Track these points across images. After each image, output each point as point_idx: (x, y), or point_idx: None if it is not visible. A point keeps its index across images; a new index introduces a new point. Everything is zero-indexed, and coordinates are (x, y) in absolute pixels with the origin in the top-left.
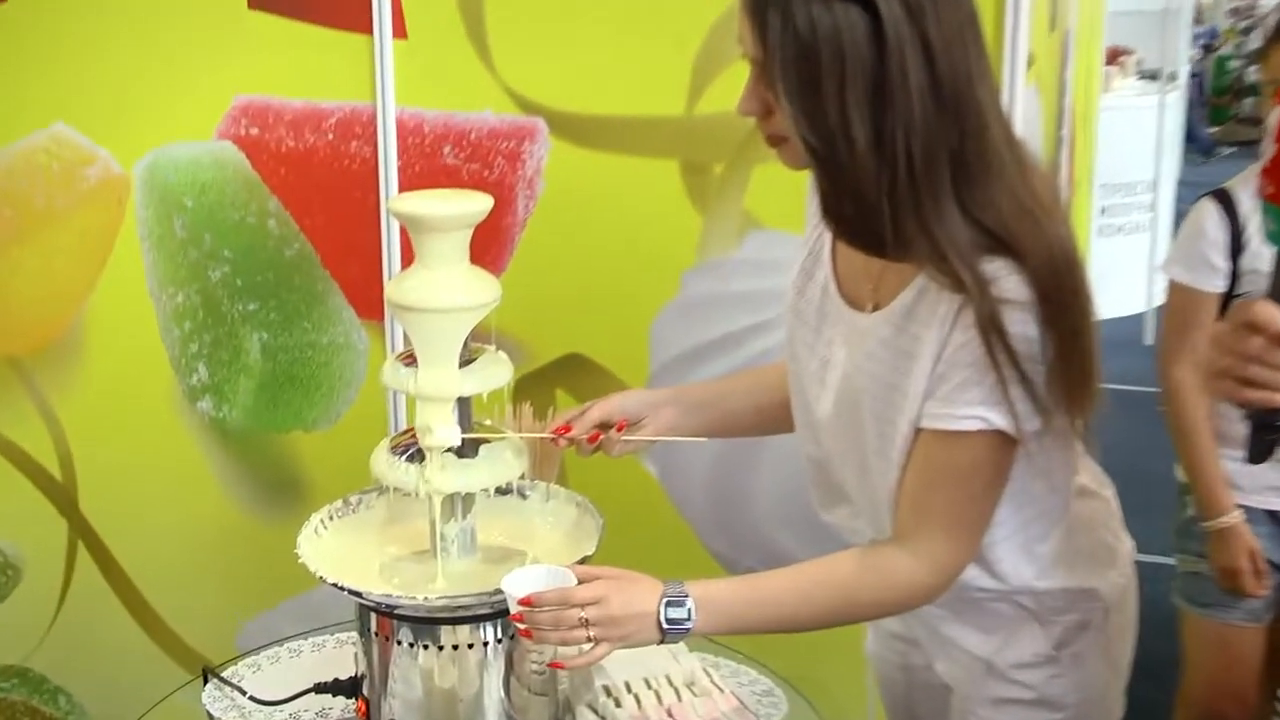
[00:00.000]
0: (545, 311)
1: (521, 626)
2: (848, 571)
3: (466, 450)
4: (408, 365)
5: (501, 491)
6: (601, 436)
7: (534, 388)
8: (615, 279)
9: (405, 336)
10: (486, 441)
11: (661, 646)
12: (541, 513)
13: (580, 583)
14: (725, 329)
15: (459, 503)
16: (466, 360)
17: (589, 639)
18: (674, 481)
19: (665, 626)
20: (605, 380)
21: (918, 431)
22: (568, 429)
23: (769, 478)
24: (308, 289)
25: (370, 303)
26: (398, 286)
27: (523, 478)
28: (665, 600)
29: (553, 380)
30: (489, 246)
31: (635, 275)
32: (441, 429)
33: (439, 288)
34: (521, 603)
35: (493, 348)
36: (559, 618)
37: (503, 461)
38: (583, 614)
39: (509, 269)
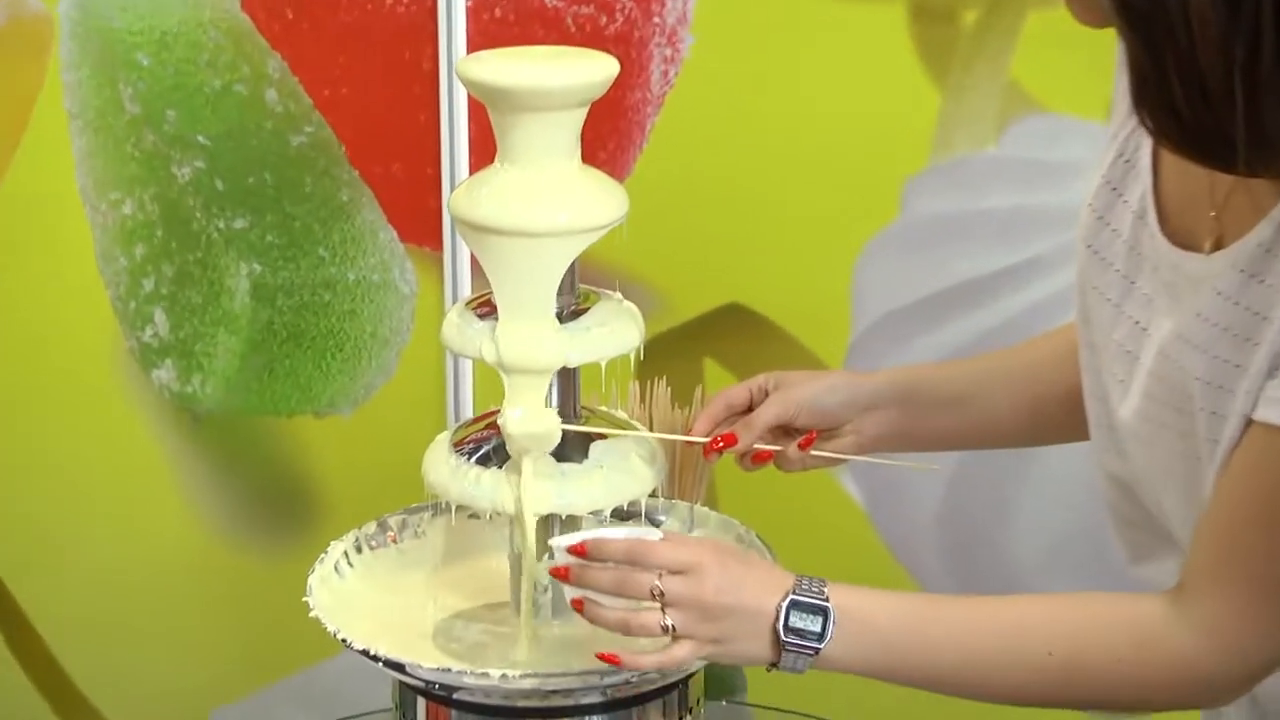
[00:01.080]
0: (692, 240)
1: (570, 593)
2: (1080, 620)
3: (570, 451)
4: (482, 317)
5: (622, 516)
6: (776, 454)
7: (672, 356)
8: (800, 191)
9: (475, 273)
10: (602, 438)
11: None
12: None
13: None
14: (971, 271)
15: (557, 531)
16: (573, 312)
17: (664, 629)
18: (887, 510)
19: (784, 639)
20: (780, 347)
21: (1247, 425)
22: (730, 440)
23: (1035, 508)
24: (325, 198)
25: (422, 221)
26: (468, 196)
27: (655, 495)
28: (791, 599)
29: (701, 344)
30: (607, 136)
31: (831, 185)
32: (533, 417)
33: (532, 199)
34: (572, 551)
35: (615, 295)
36: (623, 580)
37: (626, 470)
38: (658, 583)
39: (635, 173)
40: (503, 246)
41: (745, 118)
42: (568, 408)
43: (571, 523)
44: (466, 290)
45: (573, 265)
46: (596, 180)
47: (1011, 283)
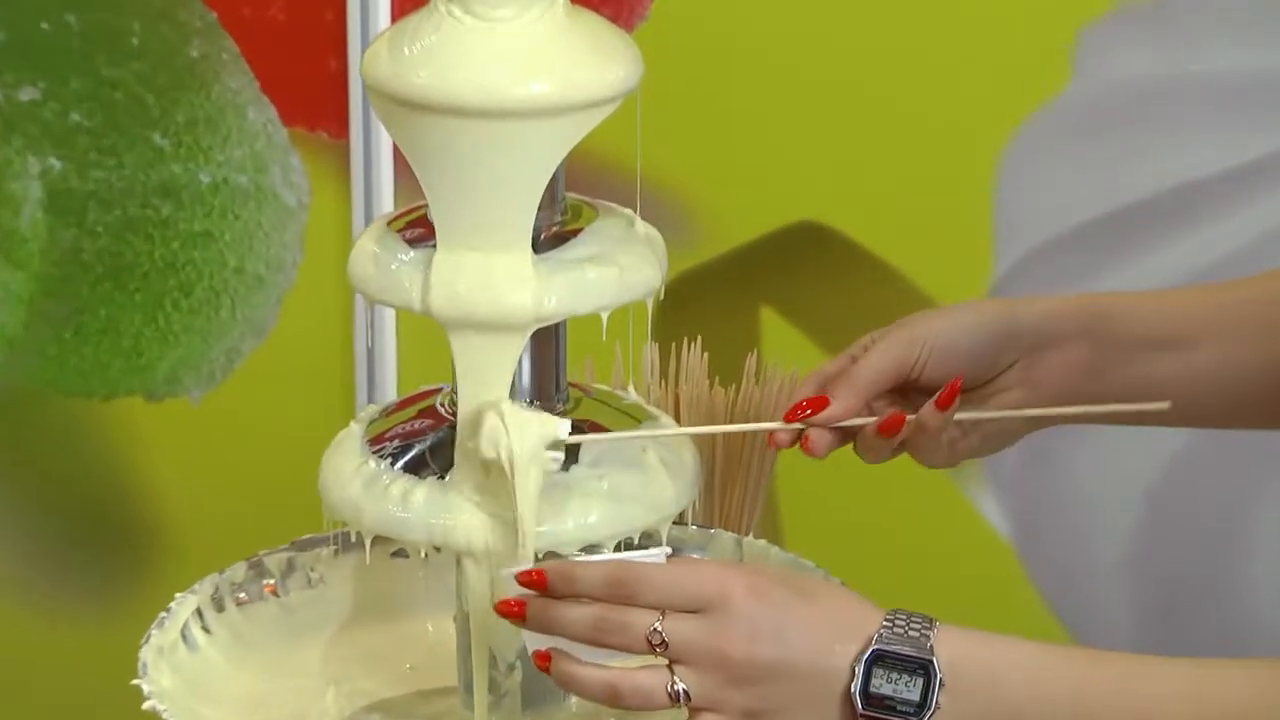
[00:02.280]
0: (740, 125)
1: (532, 642)
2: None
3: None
4: (413, 243)
5: (636, 547)
6: (907, 419)
7: (712, 304)
8: (909, 47)
9: (402, 174)
10: (603, 430)
11: None
12: None
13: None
14: (1177, 172)
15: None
16: (556, 236)
17: (673, 696)
18: (1049, 545)
19: (862, 710)
20: (882, 292)
21: None
22: (819, 403)
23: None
24: (164, 55)
25: (316, 93)
26: (391, 56)
27: (682, 520)
28: (875, 652)
29: (755, 286)
30: None
31: (960, 39)
32: (524, 423)
33: (494, 60)
34: (525, 579)
35: (623, 211)
36: (604, 620)
37: (639, 482)
38: (658, 626)
39: (651, 21)
40: (447, 134)
41: None
42: (547, 385)
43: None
44: (388, 203)
45: (559, 165)
46: (593, 32)
47: (1239, 191)
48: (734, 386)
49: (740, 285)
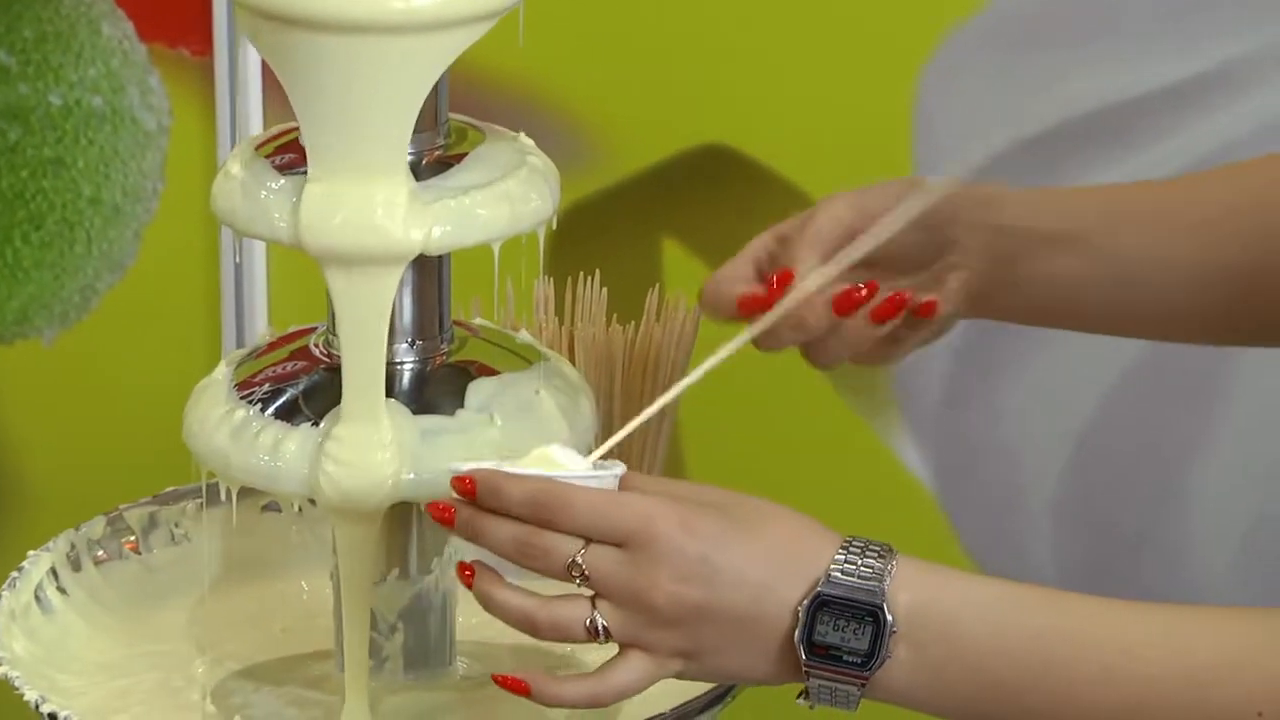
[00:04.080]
0: (639, 37)
1: (465, 553)
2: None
3: (437, 395)
4: (283, 169)
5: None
6: (897, 301)
7: (609, 234)
8: None
9: (271, 94)
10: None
11: None
12: None
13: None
14: (1116, 89)
15: (416, 530)
16: (438, 161)
17: (591, 630)
18: (970, 489)
19: (806, 660)
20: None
21: None
22: (785, 279)
23: (1214, 480)
24: None
25: (174, 5)
26: None
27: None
28: (819, 595)
29: (657, 215)
30: None
31: None
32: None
33: None
34: (456, 484)
35: (509, 134)
36: (526, 542)
37: (531, 425)
38: (580, 556)
39: None
40: (317, 51)
41: None
42: (430, 323)
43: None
44: (256, 125)
45: (439, 82)
46: None
47: (1182, 108)
48: (634, 324)
49: (640, 214)
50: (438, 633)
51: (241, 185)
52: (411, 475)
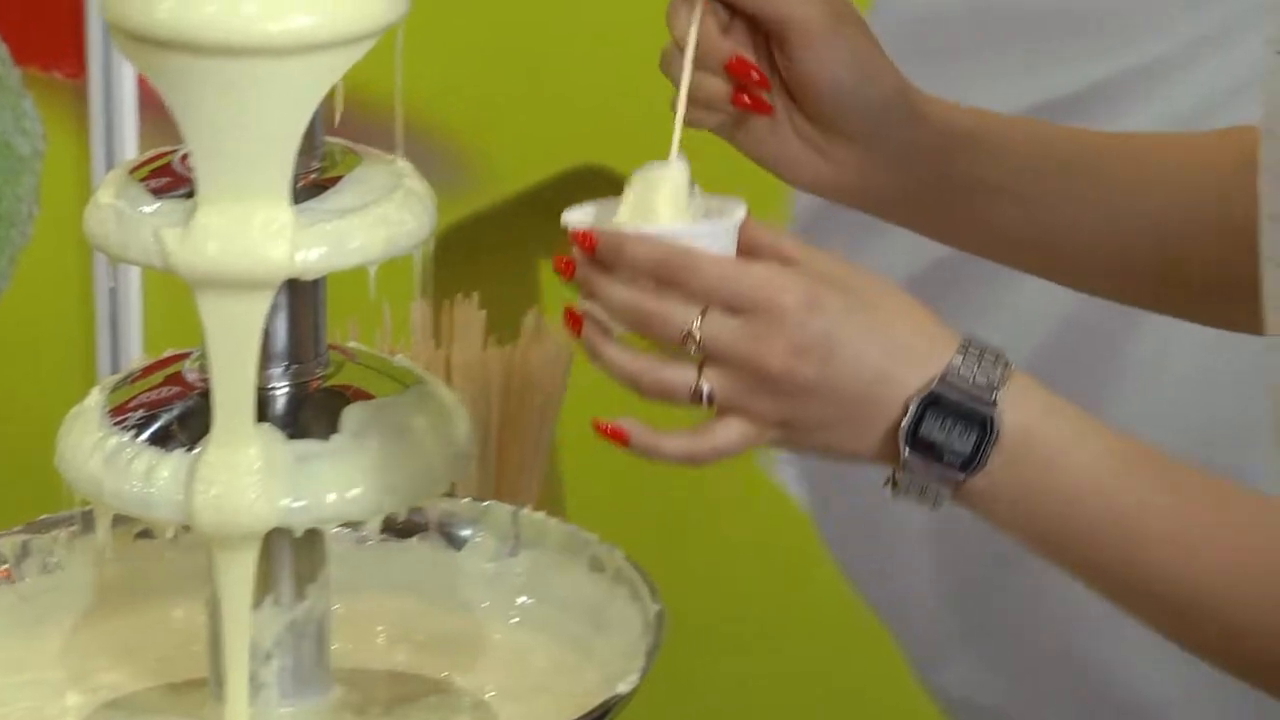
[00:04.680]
0: (518, 59)
1: (575, 314)
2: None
3: (309, 418)
4: (158, 193)
5: (400, 533)
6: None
7: (487, 256)
8: None
9: (147, 116)
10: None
11: None
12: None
13: (747, 252)
14: (993, 104)
15: (289, 559)
16: (314, 184)
17: (696, 396)
18: (846, 511)
19: (906, 454)
20: None
21: None
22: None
23: None
24: None
25: (50, 27)
26: None
27: (452, 493)
28: (933, 393)
29: (535, 235)
30: None
31: None
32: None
33: None
34: (576, 239)
35: (386, 156)
36: (642, 308)
37: (406, 449)
38: (697, 324)
39: None
40: (197, 73)
41: None
42: (306, 347)
43: (312, 549)
44: (131, 149)
45: (318, 107)
46: None
47: (1101, 105)
48: (511, 346)
49: (519, 236)
50: (314, 660)
51: (115, 210)
52: (285, 501)
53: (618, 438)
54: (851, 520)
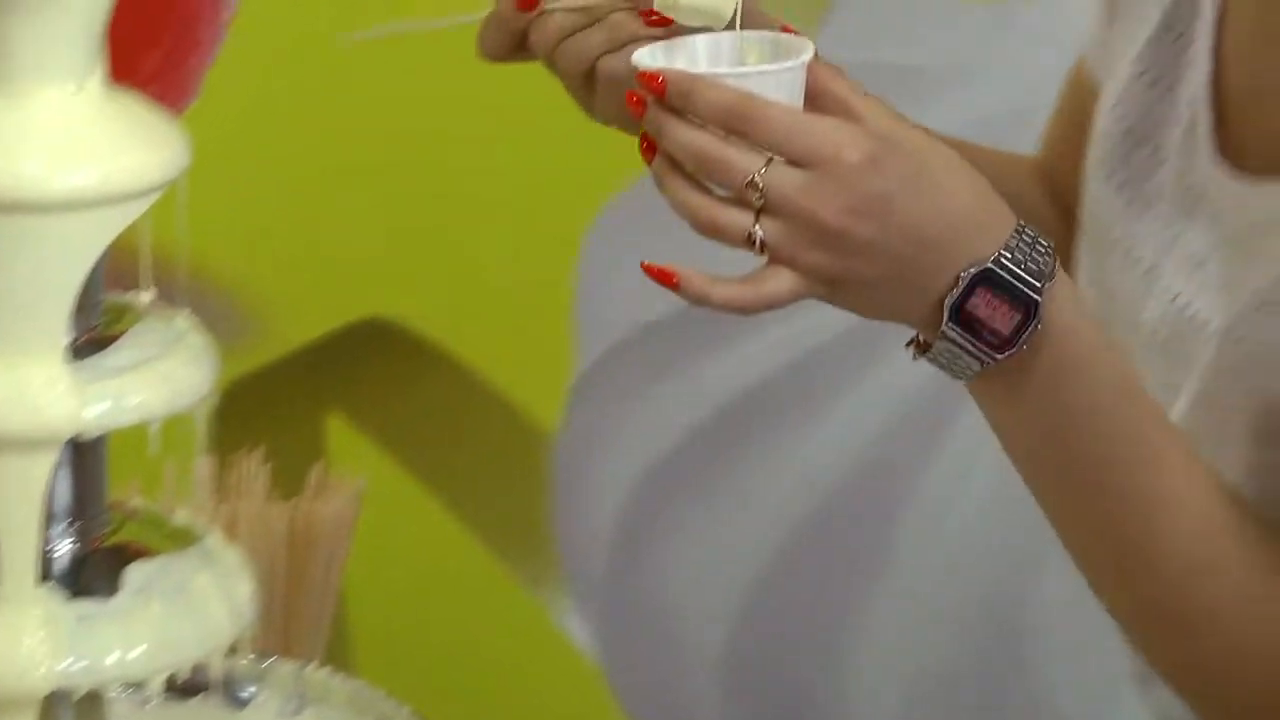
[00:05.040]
0: (300, 214)
1: (651, 142)
2: (1222, 523)
3: (90, 574)
4: None
5: (183, 692)
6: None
7: (272, 410)
8: (474, 131)
9: None
10: None
11: None
12: None
13: (815, 99)
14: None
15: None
16: (93, 341)
17: (750, 241)
18: (632, 659)
19: (947, 327)
20: (455, 392)
21: None
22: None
23: (874, 657)
24: None
25: None
26: None
27: (235, 650)
28: (985, 271)
29: (321, 389)
30: (152, 34)
31: (537, 118)
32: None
33: (19, 143)
34: (645, 80)
35: (173, 310)
36: (708, 154)
37: (190, 608)
38: (761, 173)
39: (206, 99)
40: None
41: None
42: (87, 506)
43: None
44: None
45: (98, 262)
46: (134, 113)
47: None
48: (296, 500)
49: (304, 389)
50: None
51: None
52: (66, 663)
53: (665, 279)
54: (643, 673)
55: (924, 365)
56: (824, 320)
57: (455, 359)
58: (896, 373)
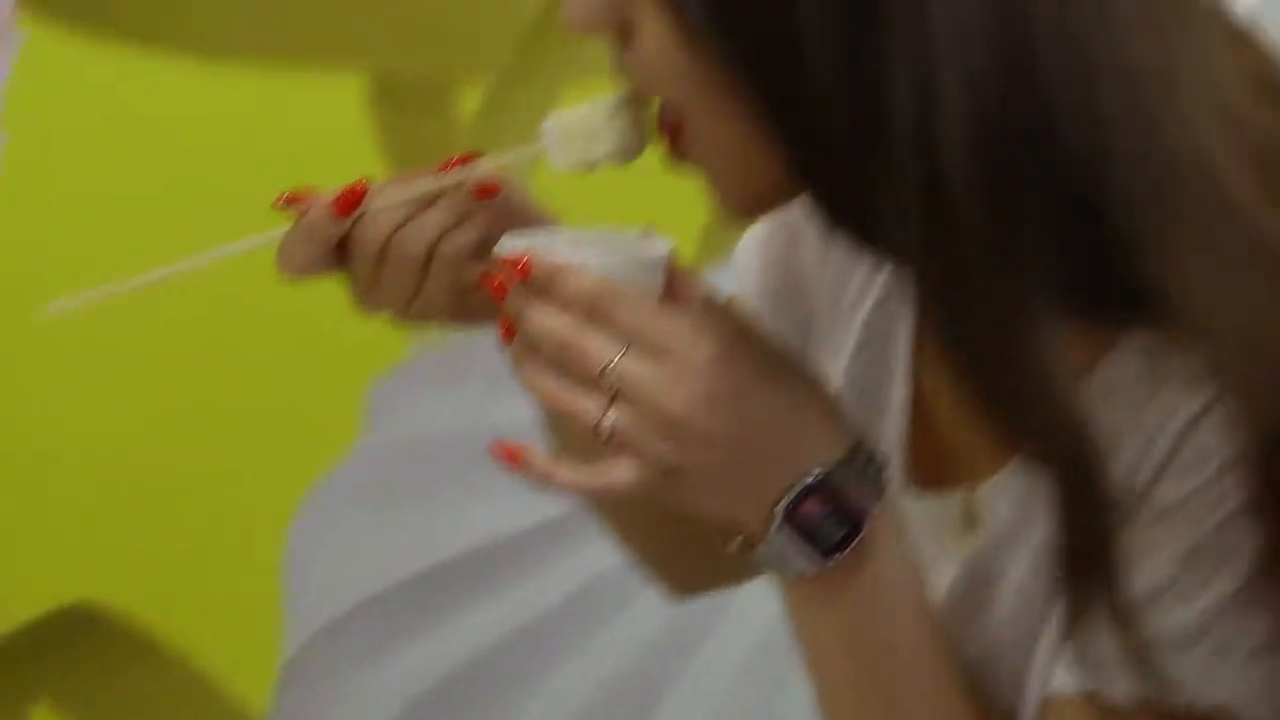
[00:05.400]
0: (4, 498)
1: (511, 326)
2: None
3: None
4: None
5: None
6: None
7: None
8: (174, 419)
9: None
10: None
11: None
12: None
13: (673, 295)
14: (496, 523)
15: None
16: None
17: (600, 426)
18: None
19: (777, 524)
20: (163, 676)
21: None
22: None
23: None
24: None
25: None
26: None
27: None
28: (820, 479)
29: (28, 677)
30: None
31: (250, 388)
32: None
33: None
34: (511, 264)
35: None
36: (568, 340)
37: None
38: (614, 360)
39: None
40: None
41: (67, 267)
42: None
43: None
44: None
45: None
46: None
47: (552, 545)
48: None
49: (7, 678)
50: None
51: None
52: None
53: (512, 459)
54: None
55: (636, 633)
56: (541, 590)
57: (163, 645)
58: (610, 643)
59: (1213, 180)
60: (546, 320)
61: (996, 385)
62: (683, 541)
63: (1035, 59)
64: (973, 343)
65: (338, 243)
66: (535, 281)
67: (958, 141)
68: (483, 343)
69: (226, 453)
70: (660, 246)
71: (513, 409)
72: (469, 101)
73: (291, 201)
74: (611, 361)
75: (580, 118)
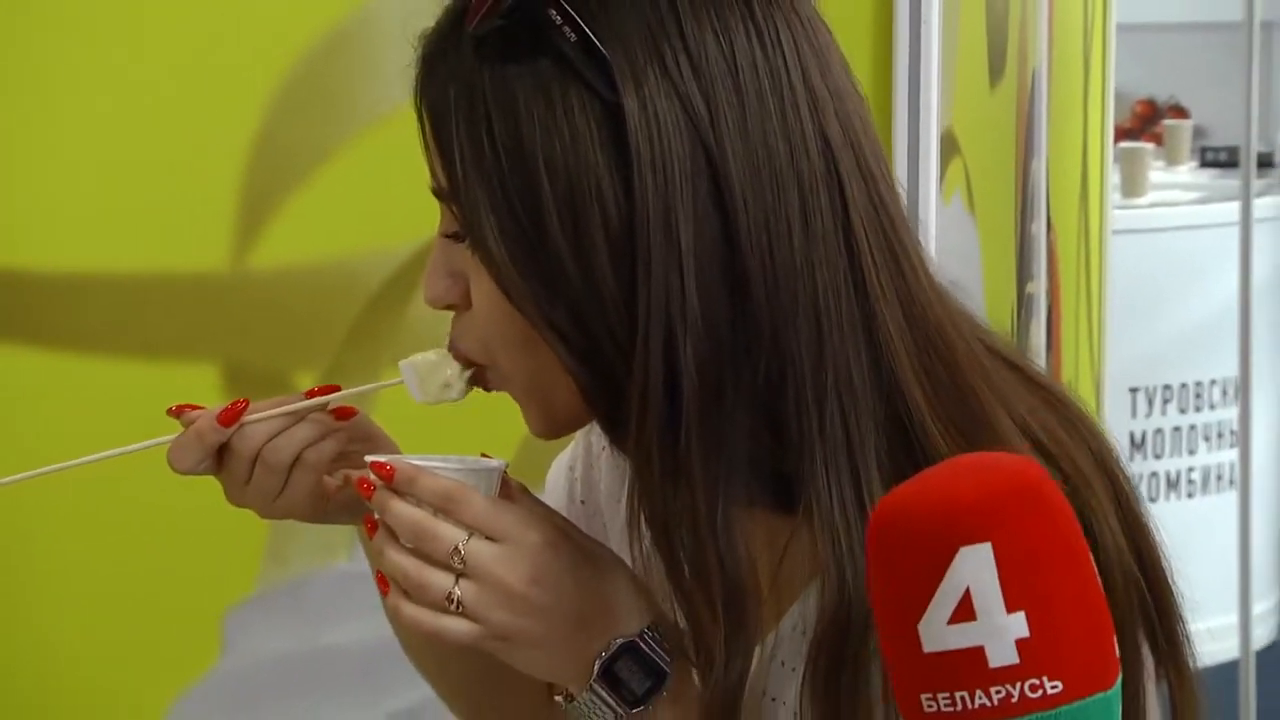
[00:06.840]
0: None
1: (373, 521)
2: None
3: None
4: None
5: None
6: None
7: None
8: (69, 619)
9: None
10: None
11: None
12: None
13: (507, 497)
14: None
15: None
16: None
17: (450, 597)
18: None
19: (594, 678)
20: None
21: None
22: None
23: None
24: None
25: None
26: None
27: None
28: (626, 642)
29: None
30: None
31: (118, 611)
32: None
33: None
34: (376, 467)
35: None
36: (423, 530)
37: None
38: (462, 546)
39: None
40: None
41: None
42: None
43: None
44: None
45: None
46: None
47: None
48: None
49: None
50: None
51: None
52: None
53: (382, 587)
54: None
55: None
56: None
57: None
58: None
59: (852, 416)
60: (406, 511)
61: (692, 559)
62: (492, 693)
63: (746, 321)
64: (673, 526)
65: (218, 448)
66: (398, 481)
67: (691, 371)
68: (312, 581)
69: (88, 669)
70: (495, 462)
71: (341, 631)
72: (306, 381)
73: (181, 411)
74: (460, 543)
75: (429, 362)
